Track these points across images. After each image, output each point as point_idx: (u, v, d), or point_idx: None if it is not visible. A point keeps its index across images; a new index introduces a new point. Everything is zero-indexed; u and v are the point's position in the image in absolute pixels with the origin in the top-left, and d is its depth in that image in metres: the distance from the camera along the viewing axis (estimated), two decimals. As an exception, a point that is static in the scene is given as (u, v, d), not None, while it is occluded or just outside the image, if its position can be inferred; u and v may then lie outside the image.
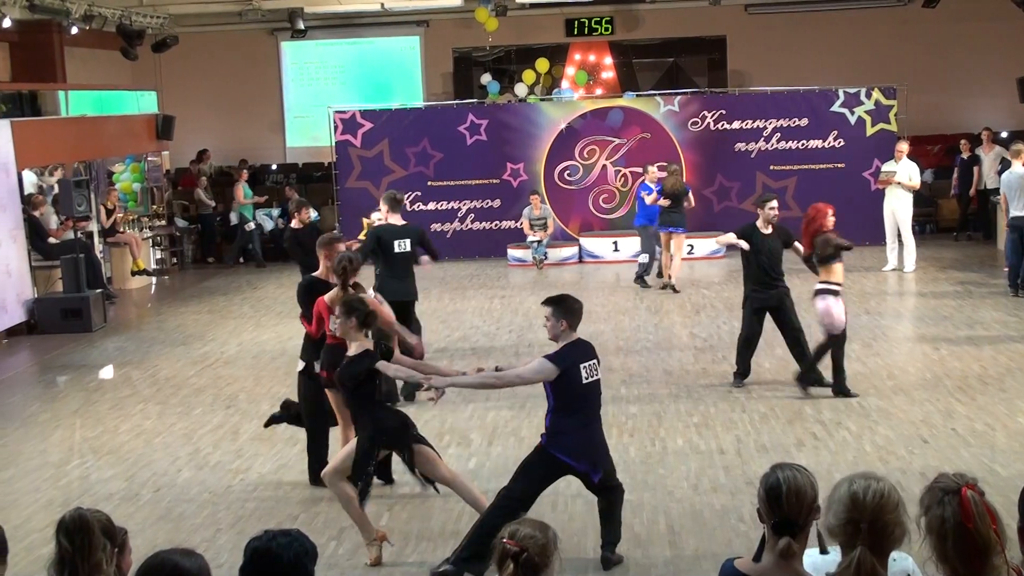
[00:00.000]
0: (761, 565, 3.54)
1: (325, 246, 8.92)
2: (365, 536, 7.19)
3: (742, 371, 11.02)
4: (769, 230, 10.62)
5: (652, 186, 16.42)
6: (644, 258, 16.70)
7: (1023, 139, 16.28)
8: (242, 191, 20.92)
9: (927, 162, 21.16)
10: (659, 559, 7.06)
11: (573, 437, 6.75)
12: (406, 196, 19.95)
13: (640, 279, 16.64)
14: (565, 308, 6.80)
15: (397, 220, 11.15)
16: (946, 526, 3.13)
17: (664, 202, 16.07)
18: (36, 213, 16.38)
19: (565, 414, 6.75)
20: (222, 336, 14.61)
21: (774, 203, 10.68)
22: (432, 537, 7.53)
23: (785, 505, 3.49)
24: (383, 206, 11.37)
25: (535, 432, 9.70)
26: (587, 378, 6.73)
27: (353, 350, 7.13)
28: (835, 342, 10.30)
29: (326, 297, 8.27)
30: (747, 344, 10.93)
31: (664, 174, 16.58)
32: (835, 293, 10.16)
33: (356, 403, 7.16)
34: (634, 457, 9.02)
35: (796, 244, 10.66)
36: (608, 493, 7.04)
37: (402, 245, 10.98)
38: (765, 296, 10.66)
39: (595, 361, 6.83)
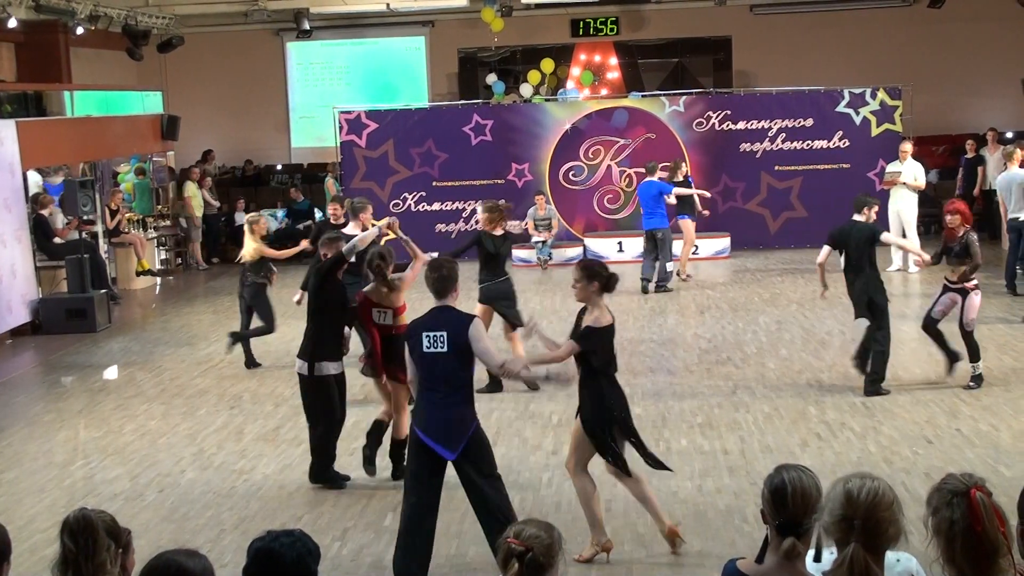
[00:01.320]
0: (764, 566, 3.54)
1: (327, 245, 9.08)
2: (593, 535, 7.00)
3: (882, 377, 10.54)
4: None
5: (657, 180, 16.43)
6: (671, 265, 16.32)
7: (1025, 140, 16.26)
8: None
9: (932, 162, 21.14)
10: (662, 559, 7.05)
11: (422, 411, 6.66)
12: (411, 196, 20.05)
13: (663, 287, 16.11)
14: (426, 274, 6.87)
15: (354, 229, 11.17)
16: (955, 528, 3.11)
17: (673, 199, 16.25)
18: (44, 212, 16.39)
19: (420, 384, 6.69)
20: (226, 337, 14.56)
21: (877, 207, 10.59)
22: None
23: (791, 506, 3.48)
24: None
25: (539, 433, 9.73)
26: (427, 347, 6.56)
27: (592, 315, 6.90)
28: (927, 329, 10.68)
29: (366, 290, 8.67)
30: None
31: (665, 173, 16.61)
32: (960, 291, 10.48)
33: (585, 375, 6.95)
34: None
35: None
36: (474, 481, 6.66)
37: None
38: None
39: (443, 333, 6.54)
